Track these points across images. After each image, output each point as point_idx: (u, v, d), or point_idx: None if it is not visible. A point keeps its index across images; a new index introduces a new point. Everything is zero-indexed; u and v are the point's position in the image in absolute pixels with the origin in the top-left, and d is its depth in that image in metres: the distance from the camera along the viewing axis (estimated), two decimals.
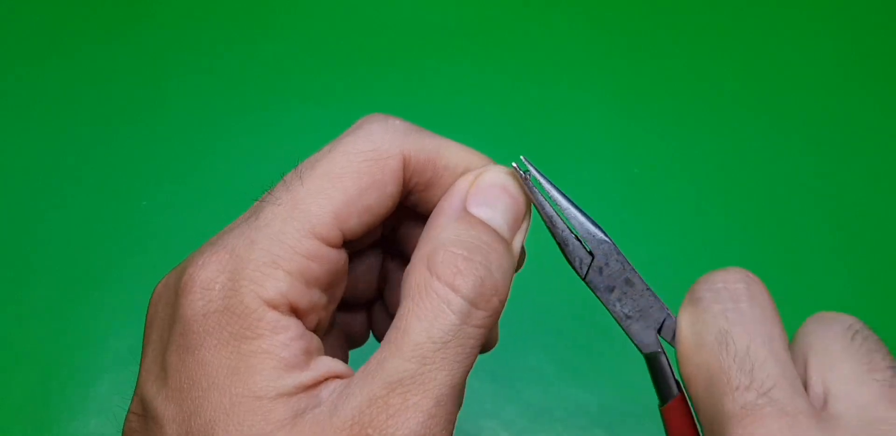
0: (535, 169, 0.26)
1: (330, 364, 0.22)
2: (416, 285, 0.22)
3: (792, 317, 0.43)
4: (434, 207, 0.25)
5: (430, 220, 0.24)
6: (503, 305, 0.23)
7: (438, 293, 0.22)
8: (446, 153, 0.25)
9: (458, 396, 0.23)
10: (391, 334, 0.22)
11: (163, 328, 0.23)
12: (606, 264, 0.27)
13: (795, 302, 0.44)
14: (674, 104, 0.50)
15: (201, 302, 0.22)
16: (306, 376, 0.22)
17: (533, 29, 0.53)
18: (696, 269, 0.44)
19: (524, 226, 0.26)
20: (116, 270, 0.43)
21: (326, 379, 0.22)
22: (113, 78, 0.50)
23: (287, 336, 0.22)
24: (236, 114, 0.49)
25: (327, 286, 0.24)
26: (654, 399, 0.41)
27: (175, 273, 0.23)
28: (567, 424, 0.40)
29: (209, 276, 0.22)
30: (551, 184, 0.26)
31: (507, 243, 0.24)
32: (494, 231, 0.24)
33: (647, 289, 0.27)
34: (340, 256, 0.24)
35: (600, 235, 0.27)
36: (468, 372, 0.22)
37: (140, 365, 0.23)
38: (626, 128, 0.49)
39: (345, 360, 0.26)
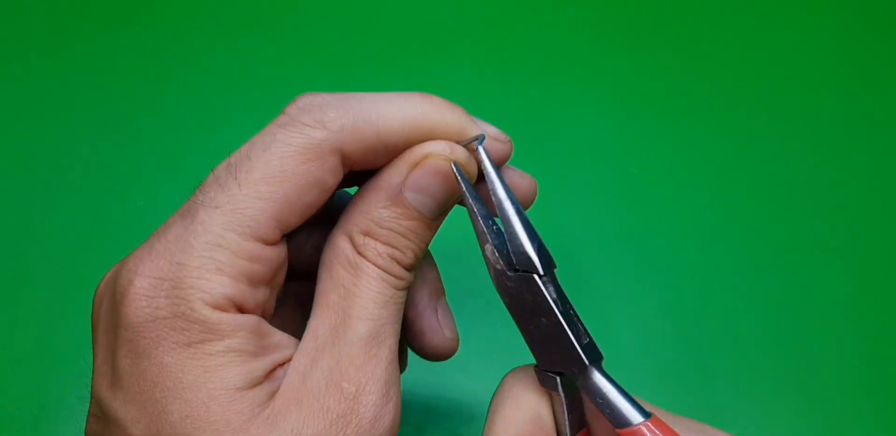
0: (488, 159, 0.25)
1: (280, 344, 0.24)
2: (347, 259, 0.24)
3: (791, 317, 0.43)
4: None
5: (363, 189, 0.25)
6: (413, 273, 0.26)
7: (369, 271, 0.24)
8: (386, 138, 0.24)
9: (397, 344, 0.25)
10: (330, 301, 0.24)
11: (108, 332, 0.23)
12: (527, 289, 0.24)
13: (793, 303, 0.44)
14: (672, 104, 0.50)
15: (147, 309, 0.22)
16: (267, 361, 0.23)
17: (531, 29, 0.53)
18: (693, 269, 0.44)
19: (453, 206, 0.26)
20: None
21: (283, 363, 0.24)
22: (109, 77, 0.50)
23: (245, 333, 0.23)
24: (234, 113, 0.49)
25: (271, 279, 0.24)
26: (657, 400, 0.41)
27: (113, 275, 0.24)
28: None
29: (151, 284, 0.22)
30: (501, 182, 0.25)
31: (432, 225, 0.25)
32: (422, 217, 0.25)
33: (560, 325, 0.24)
34: (281, 249, 0.24)
35: (530, 255, 0.24)
36: (401, 326, 0.25)
37: (93, 367, 0.24)
38: (624, 128, 0.49)
39: (302, 326, 0.27)
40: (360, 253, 0.24)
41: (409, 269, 0.25)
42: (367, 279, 0.24)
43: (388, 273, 0.24)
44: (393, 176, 0.25)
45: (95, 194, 0.46)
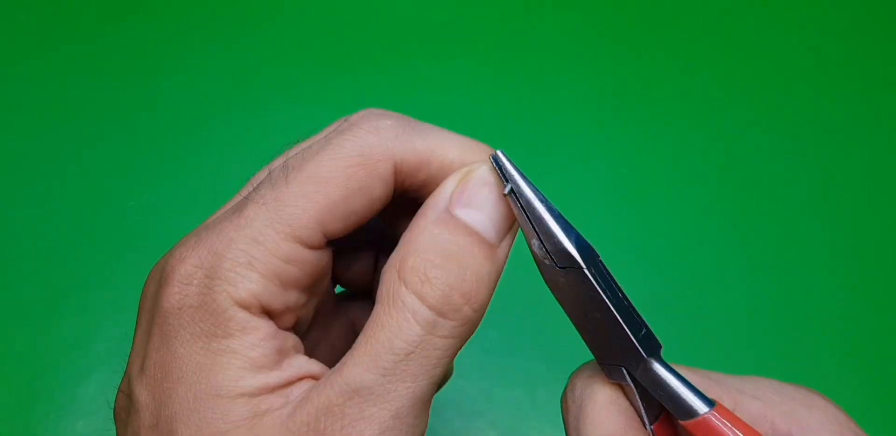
0: (514, 167, 0.23)
1: (305, 365, 0.22)
2: (386, 291, 0.22)
3: (785, 314, 0.43)
4: None
5: (413, 220, 0.23)
6: (480, 314, 0.22)
7: (405, 302, 0.21)
8: (440, 154, 0.24)
9: (421, 408, 0.22)
10: (358, 340, 0.22)
11: (147, 315, 0.23)
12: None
13: (788, 300, 0.44)
14: (662, 104, 0.50)
15: (178, 296, 0.22)
16: (275, 376, 0.22)
17: (523, 29, 0.53)
18: (684, 270, 0.45)
19: (514, 234, 0.24)
20: (103, 271, 0.43)
21: (300, 379, 0.22)
22: (99, 77, 0.50)
23: (256, 337, 0.22)
24: (225, 113, 0.49)
25: (307, 287, 0.23)
26: None
27: (163, 261, 0.24)
28: (556, 423, 0.40)
29: (187, 271, 0.22)
30: (526, 181, 0.23)
31: (492, 247, 0.23)
32: (476, 234, 0.23)
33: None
34: (322, 256, 0.23)
35: (571, 253, 0.23)
36: (436, 384, 0.22)
37: (132, 346, 0.24)
38: (614, 128, 0.49)
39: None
40: (403, 280, 0.22)
41: (463, 300, 0.22)
42: (395, 310, 0.21)
43: (422, 302, 0.21)
44: (438, 198, 0.23)
45: (85, 195, 0.46)
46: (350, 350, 0.22)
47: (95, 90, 0.49)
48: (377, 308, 0.22)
